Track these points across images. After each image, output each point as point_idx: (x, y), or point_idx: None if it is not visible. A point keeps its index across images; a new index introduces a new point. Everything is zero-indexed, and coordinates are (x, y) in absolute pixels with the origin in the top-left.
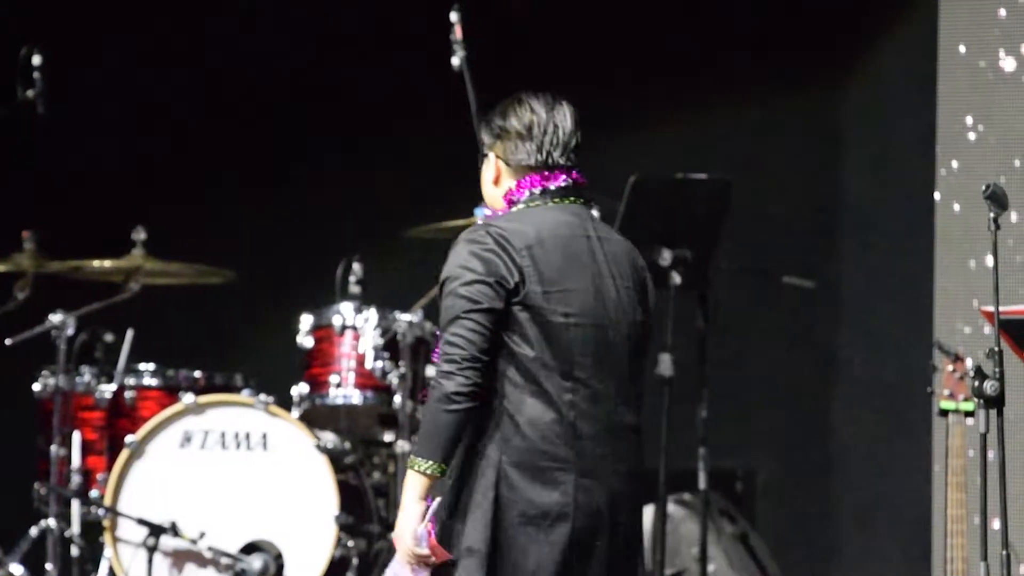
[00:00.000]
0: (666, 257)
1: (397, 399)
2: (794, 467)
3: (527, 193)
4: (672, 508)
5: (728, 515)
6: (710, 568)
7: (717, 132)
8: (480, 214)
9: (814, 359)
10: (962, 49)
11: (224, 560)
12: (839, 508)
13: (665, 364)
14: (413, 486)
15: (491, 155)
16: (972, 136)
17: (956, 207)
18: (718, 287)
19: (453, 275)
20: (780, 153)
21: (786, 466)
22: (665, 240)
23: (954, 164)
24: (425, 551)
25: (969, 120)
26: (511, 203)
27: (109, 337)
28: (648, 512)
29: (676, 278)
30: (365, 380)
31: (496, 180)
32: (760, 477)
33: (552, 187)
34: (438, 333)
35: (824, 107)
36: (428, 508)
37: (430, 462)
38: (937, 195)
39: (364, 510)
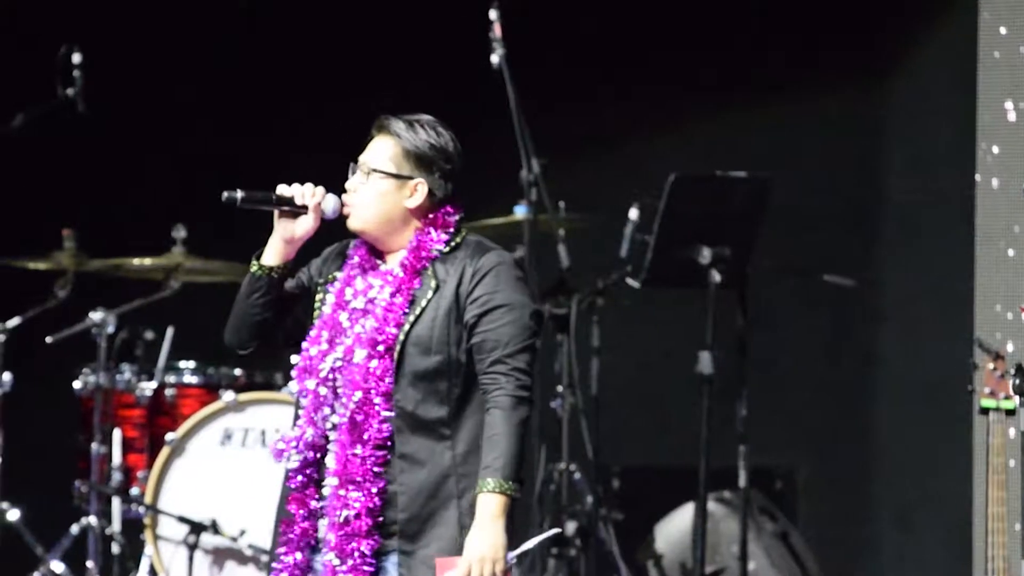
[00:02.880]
0: (706, 255)
1: None
2: (834, 465)
3: (454, 223)
4: (712, 506)
5: (768, 513)
6: (750, 566)
7: (757, 130)
8: (521, 212)
9: (854, 357)
10: (1003, 31)
11: (264, 558)
12: (879, 506)
13: (705, 362)
14: (504, 508)
15: (419, 182)
16: (1012, 116)
17: (995, 182)
18: (758, 285)
19: (516, 303)
20: (819, 150)
21: (826, 464)
22: (704, 238)
23: (995, 149)
24: None
25: (1009, 104)
26: (441, 230)
27: (149, 335)
28: (689, 510)
29: (715, 276)
30: None
31: (418, 208)
32: (800, 475)
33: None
34: (497, 357)
35: (863, 104)
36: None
37: (517, 484)
38: (978, 176)
39: None
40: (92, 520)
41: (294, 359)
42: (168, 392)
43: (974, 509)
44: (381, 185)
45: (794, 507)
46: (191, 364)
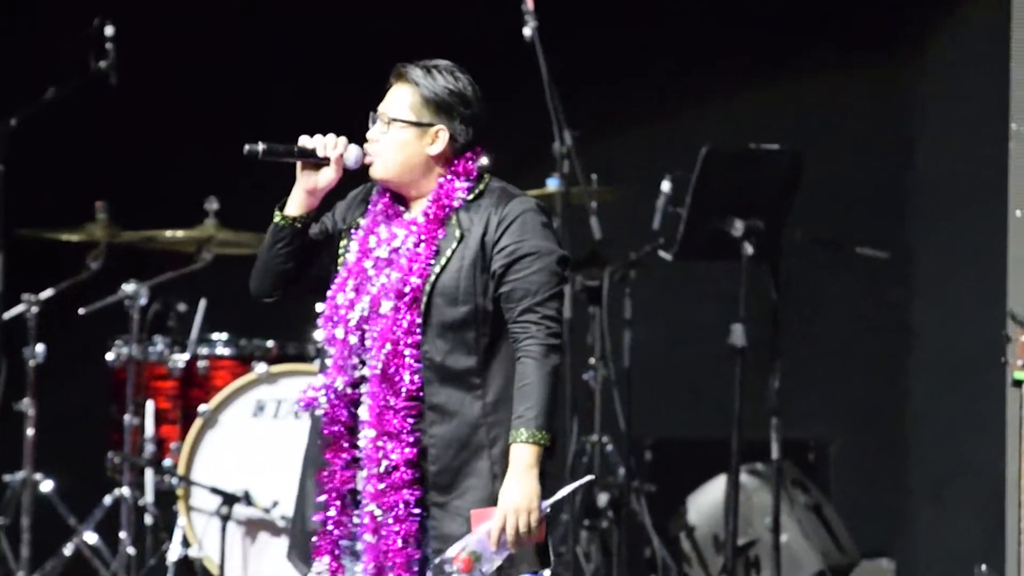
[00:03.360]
0: (738, 227)
1: None
2: (867, 437)
3: (476, 169)
4: (745, 478)
5: (801, 485)
6: (783, 538)
7: (790, 102)
8: (553, 184)
9: (887, 329)
10: None
11: None
12: (912, 478)
13: (738, 334)
14: (537, 458)
15: (439, 129)
16: None
17: None
18: (790, 257)
19: (544, 250)
20: (852, 123)
21: (859, 436)
22: (737, 210)
23: None
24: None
25: None
26: (463, 177)
27: (182, 307)
28: (721, 482)
29: (748, 248)
30: None
31: (440, 155)
32: (833, 447)
33: (483, 162)
34: (527, 306)
35: (897, 76)
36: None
37: (549, 434)
38: (1011, 147)
39: None
40: (125, 491)
41: (319, 307)
42: (201, 364)
43: (1007, 480)
44: (402, 134)
45: (827, 479)
46: (223, 336)
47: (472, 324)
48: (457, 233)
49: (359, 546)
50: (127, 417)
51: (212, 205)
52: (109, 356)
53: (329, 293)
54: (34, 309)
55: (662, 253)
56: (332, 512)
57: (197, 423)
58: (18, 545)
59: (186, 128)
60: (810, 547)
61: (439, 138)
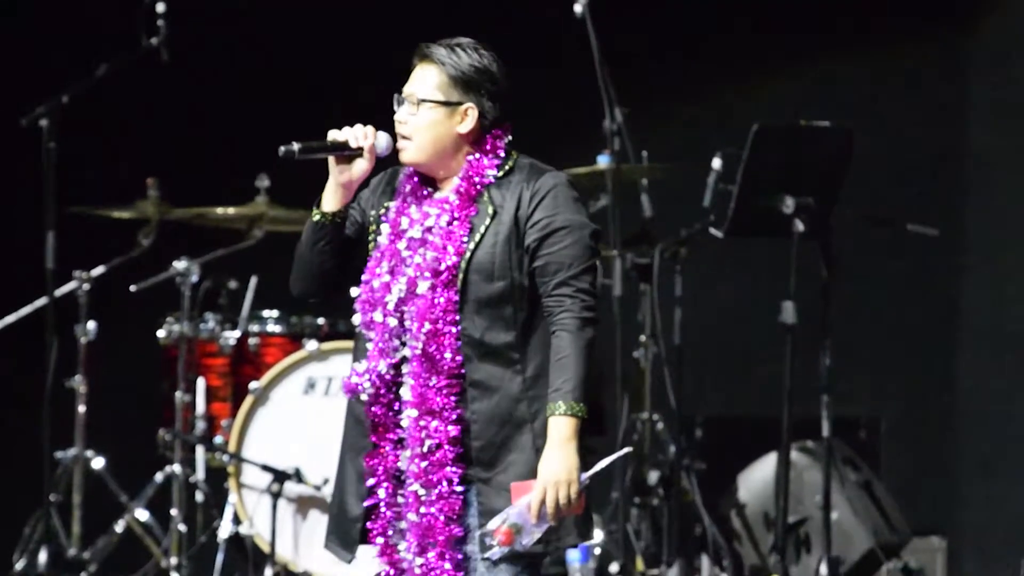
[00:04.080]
0: (789, 205)
1: None
2: (918, 415)
3: (506, 144)
4: (795, 456)
5: (852, 463)
6: (833, 516)
7: (841, 79)
8: (604, 161)
9: (937, 306)
10: None
11: None
12: (963, 455)
13: (788, 312)
14: (575, 431)
15: (469, 107)
16: None
17: None
18: (841, 235)
19: (576, 223)
20: (904, 99)
21: (910, 414)
22: (788, 188)
23: None
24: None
25: None
26: (492, 154)
27: (233, 284)
28: (771, 460)
29: (799, 226)
30: None
31: (469, 133)
32: (884, 425)
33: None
34: (561, 279)
35: (948, 53)
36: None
37: (585, 406)
38: None
39: None
40: (176, 468)
41: (354, 291)
42: (252, 341)
43: None
44: (432, 115)
45: (877, 456)
46: (274, 313)
47: (509, 299)
48: (490, 210)
49: (403, 525)
50: (178, 394)
51: (263, 182)
52: (160, 333)
53: (364, 277)
54: (85, 286)
55: (713, 230)
56: (382, 494)
57: (248, 400)
58: (70, 522)
59: (237, 105)
60: (861, 525)
61: (468, 116)
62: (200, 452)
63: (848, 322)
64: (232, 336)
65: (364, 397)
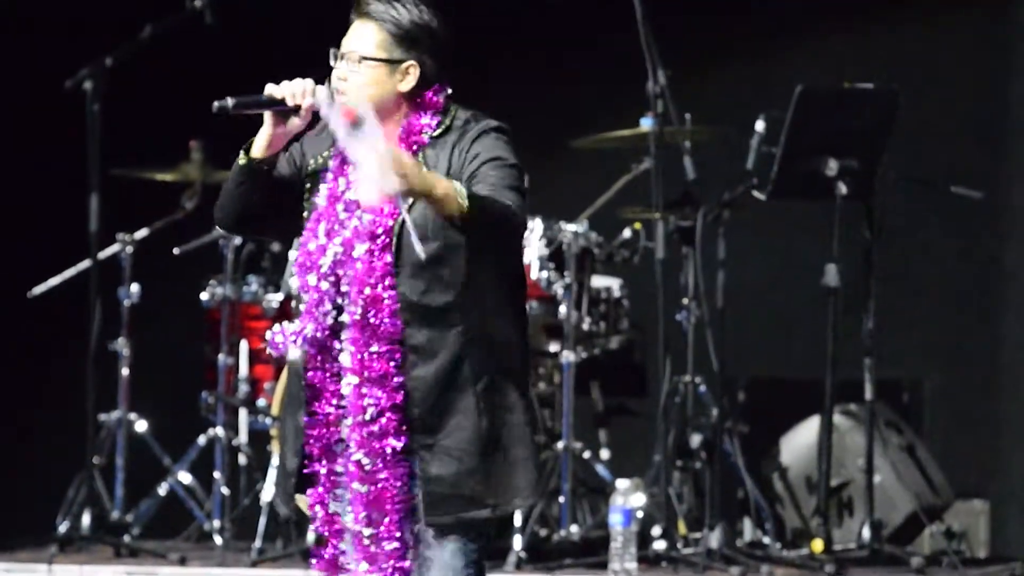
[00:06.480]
0: (832, 167)
1: (562, 309)
2: (961, 378)
3: (444, 100)
4: (838, 419)
5: (895, 426)
6: (876, 479)
7: (884, 41)
8: (647, 124)
9: (981, 269)
10: None
11: None
12: (1006, 419)
13: (831, 275)
14: (445, 198)
15: (411, 65)
16: None
17: None
18: (884, 197)
19: (505, 157)
20: (948, 62)
21: (953, 376)
22: (831, 150)
23: None
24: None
25: None
26: (430, 112)
27: (276, 247)
28: (814, 423)
29: (842, 188)
30: (531, 290)
31: (410, 91)
32: (927, 388)
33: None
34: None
35: (993, 15)
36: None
37: (468, 209)
38: None
39: (530, 420)
40: (219, 431)
41: (292, 255)
42: (294, 304)
43: None
44: (373, 72)
45: (920, 420)
46: None
47: (445, 259)
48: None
49: (347, 495)
50: (221, 357)
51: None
52: (203, 296)
53: (301, 239)
54: (129, 249)
55: (756, 193)
56: (320, 462)
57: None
58: (113, 484)
59: (281, 66)
60: (903, 488)
61: (410, 74)
62: (243, 415)
63: (891, 285)
64: (275, 299)
65: (291, 356)
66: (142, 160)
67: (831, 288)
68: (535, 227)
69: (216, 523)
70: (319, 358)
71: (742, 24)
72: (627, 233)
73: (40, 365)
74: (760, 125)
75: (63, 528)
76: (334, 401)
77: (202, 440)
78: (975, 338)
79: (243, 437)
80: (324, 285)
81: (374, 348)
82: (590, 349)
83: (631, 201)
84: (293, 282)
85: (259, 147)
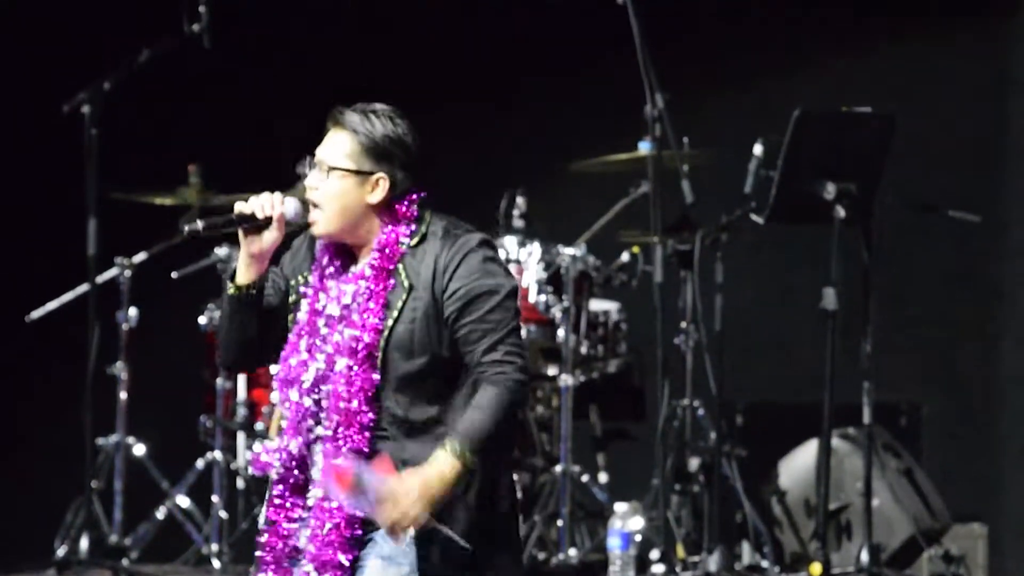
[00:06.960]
0: (830, 191)
1: (560, 333)
2: (959, 401)
3: (418, 209)
4: (836, 442)
5: (893, 450)
6: (874, 502)
7: (882, 65)
8: (645, 148)
9: (979, 293)
10: None
11: None
12: (1004, 442)
13: (829, 298)
14: (454, 476)
15: (380, 177)
16: None
17: None
18: (882, 221)
19: (493, 287)
20: (945, 86)
21: (951, 400)
22: (829, 174)
23: None
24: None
25: None
26: (405, 222)
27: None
28: (812, 446)
29: (840, 212)
30: (528, 314)
31: (380, 203)
32: (925, 411)
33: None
34: (489, 344)
35: (990, 40)
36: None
37: (477, 459)
38: None
39: (528, 443)
40: (217, 455)
41: (273, 369)
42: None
43: None
44: (342, 183)
45: (918, 443)
46: None
47: (431, 374)
48: (406, 283)
49: None
50: (219, 381)
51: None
52: (202, 320)
53: (283, 354)
54: (127, 273)
55: (754, 216)
56: (271, 568)
57: None
58: (111, 508)
59: (278, 91)
60: (902, 511)
61: (379, 186)
62: (241, 439)
63: (889, 308)
64: None
65: (274, 475)
66: (140, 184)
67: (829, 312)
68: (533, 251)
69: (214, 547)
70: (290, 471)
71: (740, 48)
72: (625, 257)
73: (38, 389)
74: (758, 149)
75: (61, 552)
76: (294, 513)
77: (200, 464)
78: (973, 362)
79: (241, 461)
80: (307, 401)
81: (340, 461)
82: (588, 373)
83: (629, 225)
84: (274, 396)
85: (242, 273)
